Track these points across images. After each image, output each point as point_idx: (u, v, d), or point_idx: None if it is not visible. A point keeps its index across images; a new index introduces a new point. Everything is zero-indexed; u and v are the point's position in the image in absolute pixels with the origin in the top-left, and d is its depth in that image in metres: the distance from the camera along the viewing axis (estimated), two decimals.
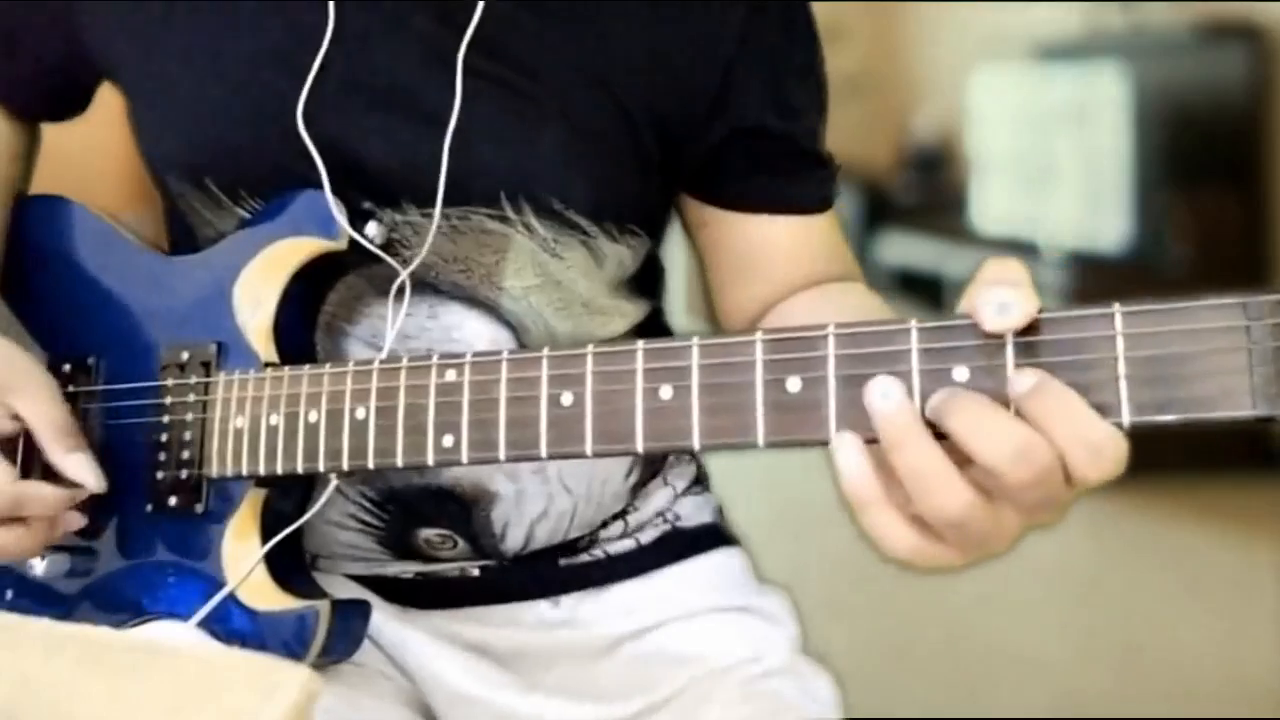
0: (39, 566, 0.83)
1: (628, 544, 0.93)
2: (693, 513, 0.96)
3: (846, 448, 0.57)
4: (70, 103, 0.95)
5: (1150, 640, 2.64)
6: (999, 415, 0.55)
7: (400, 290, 0.81)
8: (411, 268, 0.80)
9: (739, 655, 0.89)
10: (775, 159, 0.86)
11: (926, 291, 4.74)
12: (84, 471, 0.80)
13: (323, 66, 0.80)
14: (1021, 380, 0.55)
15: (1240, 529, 3.20)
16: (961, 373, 0.57)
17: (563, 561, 0.91)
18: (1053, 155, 4.30)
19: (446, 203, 0.80)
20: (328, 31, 0.80)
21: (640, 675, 0.89)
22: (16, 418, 0.81)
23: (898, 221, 5.17)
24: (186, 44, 0.83)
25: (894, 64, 5.77)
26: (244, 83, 0.82)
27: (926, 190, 5.37)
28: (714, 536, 0.96)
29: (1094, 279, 3.79)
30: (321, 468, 0.74)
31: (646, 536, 0.94)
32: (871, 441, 0.57)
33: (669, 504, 0.95)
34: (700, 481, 0.98)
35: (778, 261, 0.88)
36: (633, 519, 0.93)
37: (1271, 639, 2.54)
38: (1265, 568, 2.94)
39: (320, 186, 0.79)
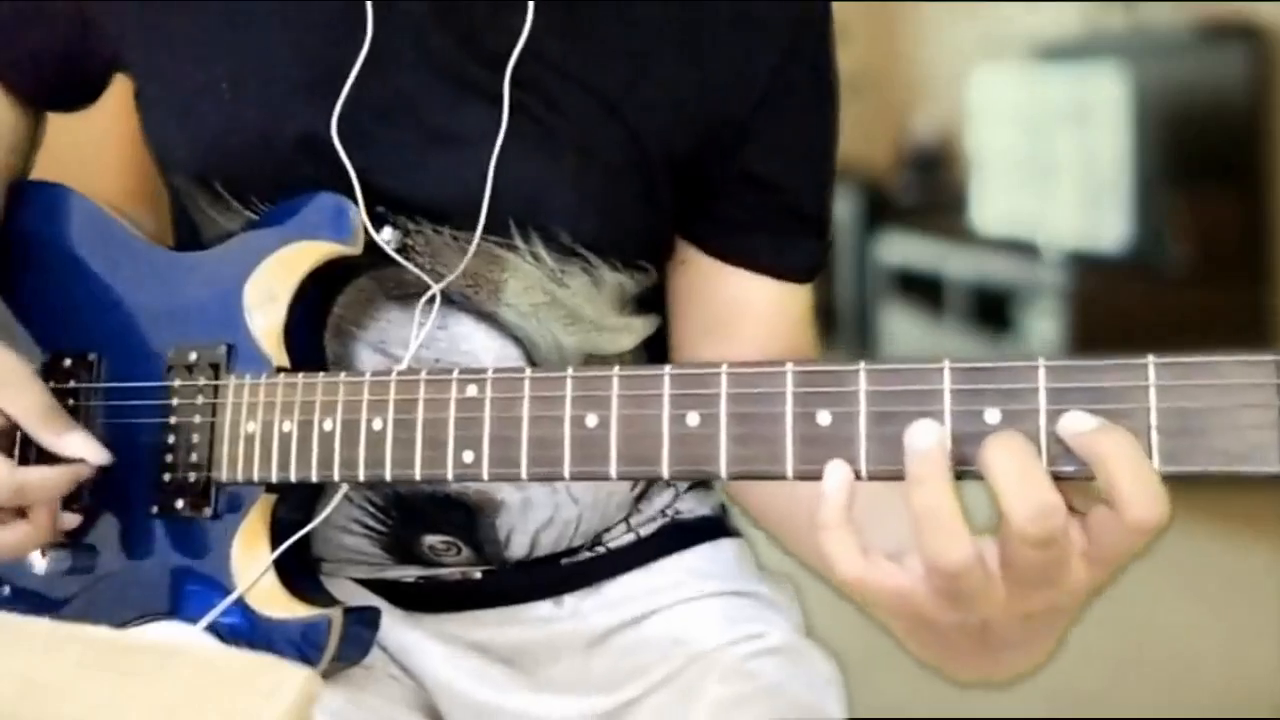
0: (39, 565, 0.82)
1: (629, 538, 0.93)
2: (694, 506, 0.96)
3: (838, 470, 0.59)
4: (80, 93, 0.93)
5: (1150, 640, 2.64)
6: (1040, 470, 0.55)
7: (426, 302, 0.80)
8: (445, 283, 0.80)
9: (736, 635, 0.89)
10: (774, 216, 0.85)
11: (926, 292, 4.74)
12: (83, 447, 0.79)
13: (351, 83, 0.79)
14: (1085, 420, 0.56)
15: (1241, 529, 3.20)
16: (994, 415, 0.58)
17: (564, 561, 0.91)
18: (1053, 155, 4.29)
19: (455, 225, 0.80)
20: (364, 49, 0.79)
21: (639, 659, 0.89)
22: (3, 413, 0.80)
23: (898, 221, 5.17)
24: (210, 50, 0.82)
25: (894, 64, 5.77)
26: (268, 96, 0.81)
27: (926, 190, 5.37)
28: (715, 527, 0.96)
29: (1094, 279, 3.78)
30: (336, 477, 0.74)
31: (646, 530, 0.94)
32: (893, 478, 0.58)
33: (671, 501, 0.95)
34: (703, 481, 0.98)
35: (751, 325, 0.86)
36: (635, 520, 0.94)
37: (1271, 639, 2.54)
38: (1265, 568, 2.94)
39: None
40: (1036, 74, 4.58)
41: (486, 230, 0.80)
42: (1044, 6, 4.57)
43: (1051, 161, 4.30)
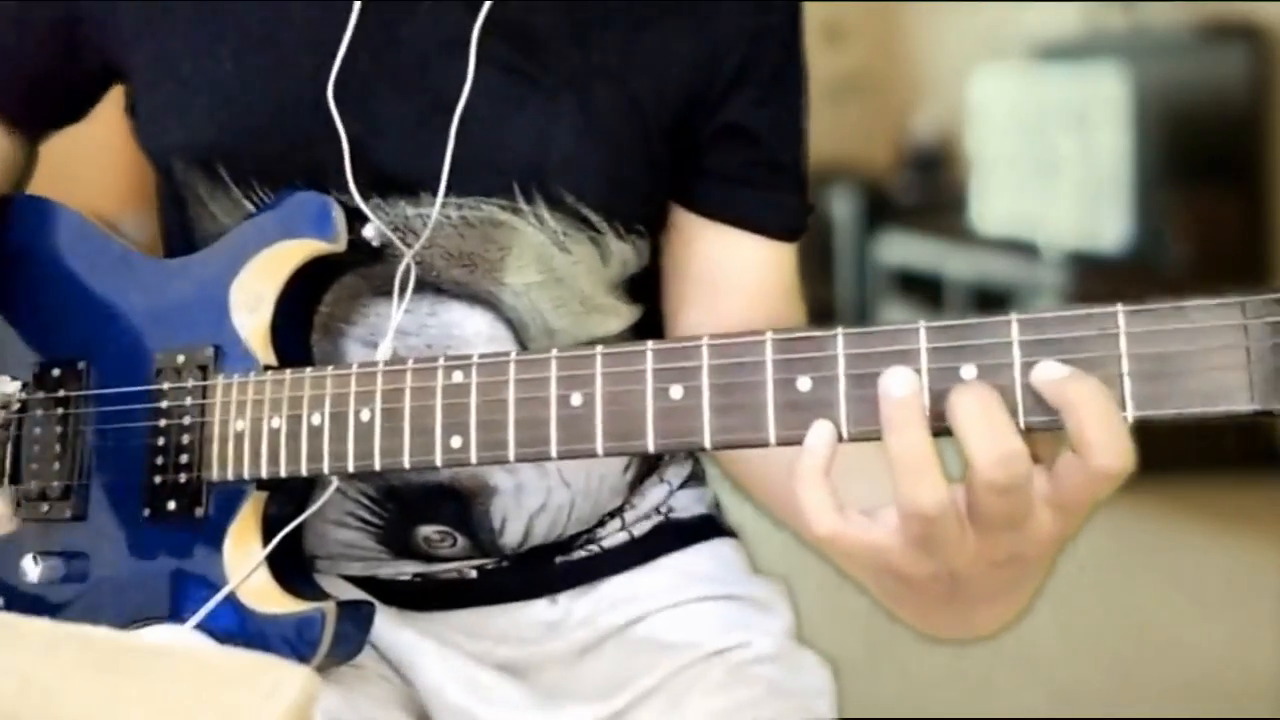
0: (33, 573, 0.82)
1: (622, 537, 0.93)
2: (688, 505, 0.96)
3: (821, 427, 0.60)
4: (69, 110, 0.93)
5: (1150, 640, 2.64)
6: (1004, 417, 0.57)
7: (403, 278, 0.80)
8: (415, 249, 0.80)
9: (728, 641, 0.89)
10: (755, 170, 0.86)
11: (926, 291, 4.75)
12: None
13: (347, 51, 0.80)
14: (1056, 368, 0.57)
15: (1241, 529, 3.21)
16: (970, 371, 0.59)
17: (558, 559, 0.91)
18: (1053, 155, 4.30)
19: (459, 192, 0.80)
20: (353, 14, 0.80)
21: (631, 665, 0.89)
22: None
23: (898, 221, 5.18)
24: (206, 26, 0.83)
25: (894, 64, 5.78)
26: (267, 64, 0.82)
27: (926, 190, 5.37)
28: (709, 527, 0.96)
29: (1094, 279, 3.79)
30: (326, 469, 0.74)
31: (640, 529, 0.94)
32: (873, 438, 0.59)
33: (664, 499, 0.95)
34: (696, 476, 0.98)
35: (738, 286, 0.87)
36: (629, 516, 0.93)
37: (1271, 639, 2.54)
38: (1266, 568, 2.94)
39: (333, 174, 0.80)
40: (1036, 74, 4.58)
41: (490, 193, 0.80)
42: (1044, 6, 4.57)
43: (1051, 161, 4.31)
